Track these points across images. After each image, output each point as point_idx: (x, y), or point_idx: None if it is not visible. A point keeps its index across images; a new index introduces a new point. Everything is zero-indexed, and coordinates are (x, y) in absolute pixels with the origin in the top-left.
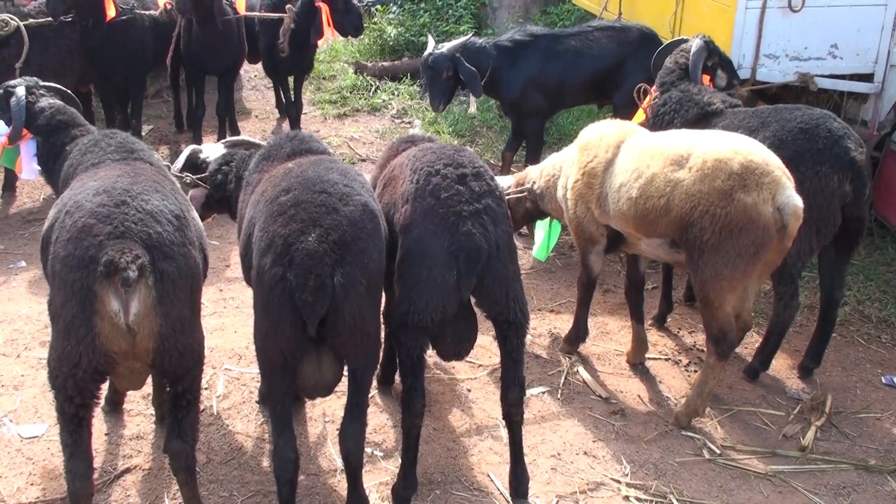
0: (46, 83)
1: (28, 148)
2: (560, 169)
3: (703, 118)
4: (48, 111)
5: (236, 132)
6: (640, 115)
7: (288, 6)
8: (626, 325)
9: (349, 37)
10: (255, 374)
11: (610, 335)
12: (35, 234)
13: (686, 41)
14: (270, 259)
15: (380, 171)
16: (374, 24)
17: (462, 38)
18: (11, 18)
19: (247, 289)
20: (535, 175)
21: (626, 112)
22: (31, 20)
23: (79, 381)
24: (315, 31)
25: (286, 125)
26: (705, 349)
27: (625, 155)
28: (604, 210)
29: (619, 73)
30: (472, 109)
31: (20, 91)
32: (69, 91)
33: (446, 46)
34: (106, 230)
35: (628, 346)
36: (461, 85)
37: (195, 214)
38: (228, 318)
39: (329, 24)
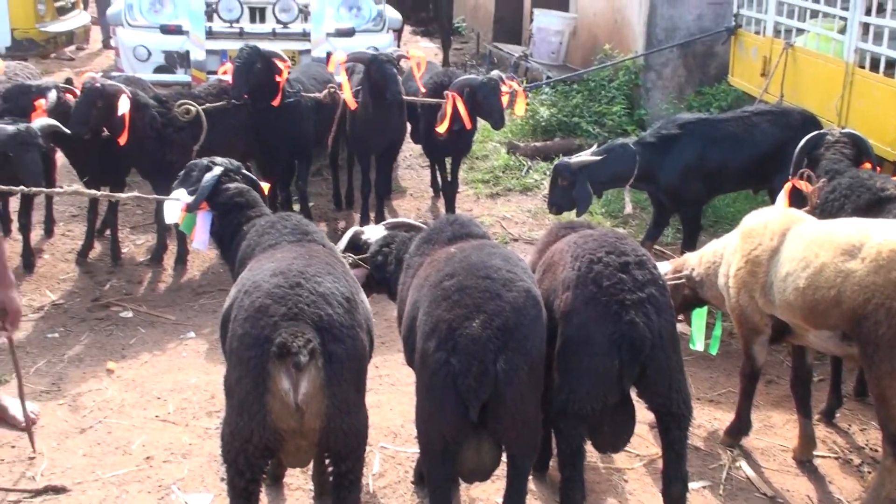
0: (244, 171)
1: (204, 220)
2: (721, 256)
3: (876, 204)
4: (230, 191)
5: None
6: (783, 199)
7: (446, 91)
8: (791, 418)
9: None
10: (410, 454)
11: (774, 429)
12: (204, 307)
13: (826, 134)
14: (434, 343)
15: (539, 257)
16: (528, 104)
17: (589, 158)
18: (192, 105)
19: (403, 366)
20: (693, 262)
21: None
22: (206, 105)
23: (250, 456)
24: (439, 119)
25: (440, 204)
26: (881, 449)
27: (791, 243)
28: (769, 299)
29: (780, 157)
30: (628, 210)
31: (217, 170)
32: (257, 180)
33: (577, 158)
34: (281, 311)
35: (794, 441)
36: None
37: (364, 296)
38: (384, 395)
39: (466, 114)
